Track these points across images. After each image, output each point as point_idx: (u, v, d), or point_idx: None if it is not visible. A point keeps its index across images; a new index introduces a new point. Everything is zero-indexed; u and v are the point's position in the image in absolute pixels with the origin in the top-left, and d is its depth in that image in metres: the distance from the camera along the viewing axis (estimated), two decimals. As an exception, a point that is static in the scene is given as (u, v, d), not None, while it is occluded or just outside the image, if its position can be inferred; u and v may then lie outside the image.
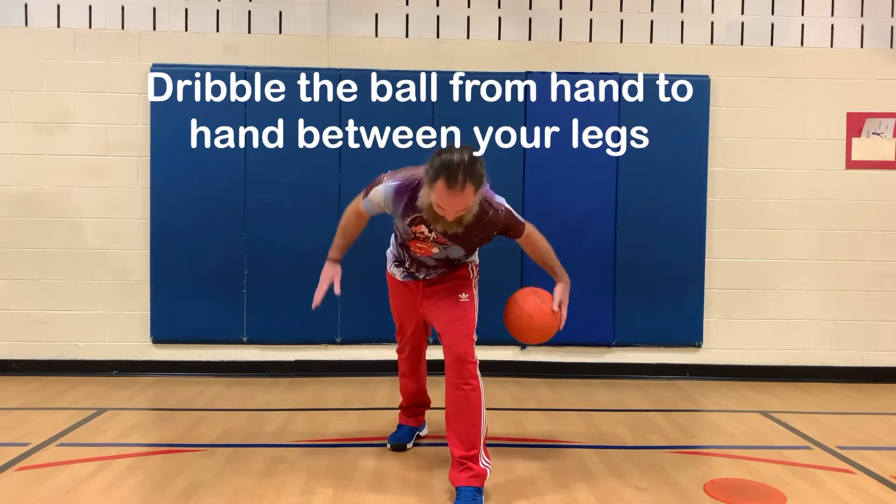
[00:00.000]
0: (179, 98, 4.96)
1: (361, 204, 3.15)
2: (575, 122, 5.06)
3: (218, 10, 5.08)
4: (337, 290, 3.20)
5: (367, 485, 3.13)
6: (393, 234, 3.34)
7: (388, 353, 5.02)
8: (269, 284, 5.04)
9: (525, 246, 3.17)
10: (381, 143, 4.97)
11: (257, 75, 4.99)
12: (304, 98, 5.00)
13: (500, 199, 3.05)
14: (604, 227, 5.12)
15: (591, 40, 5.19)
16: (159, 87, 4.97)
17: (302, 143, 5.00)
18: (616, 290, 5.14)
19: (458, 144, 2.86)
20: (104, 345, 5.10)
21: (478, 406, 2.96)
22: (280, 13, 5.10)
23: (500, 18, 5.17)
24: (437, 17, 5.14)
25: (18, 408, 4.27)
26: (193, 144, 4.96)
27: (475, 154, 2.80)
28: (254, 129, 4.99)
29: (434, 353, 3.59)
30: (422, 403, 3.69)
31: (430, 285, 3.21)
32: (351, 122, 5.01)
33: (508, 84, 5.05)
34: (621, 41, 5.19)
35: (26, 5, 5.02)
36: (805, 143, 5.20)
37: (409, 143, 4.93)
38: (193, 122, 4.96)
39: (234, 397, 4.58)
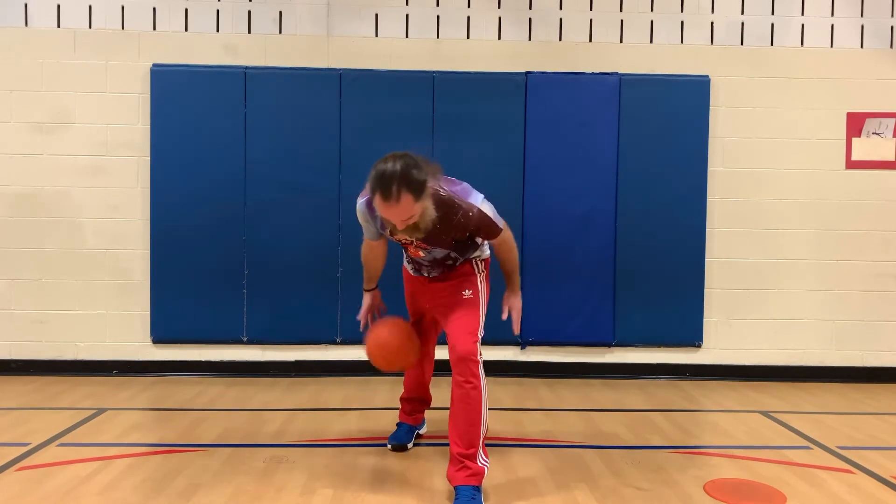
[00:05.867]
0: (179, 98, 4.97)
1: (364, 236, 3.24)
2: (574, 122, 5.06)
3: (218, 10, 5.08)
4: (378, 311, 3.47)
5: (367, 485, 3.13)
6: None
7: (388, 353, 5.03)
8: (269, 284, 5.04)
9: (496, 247, 3.14)
10: (381, 144, 4.95)
11: (257, 75, 4.99)
12: (304, 98, 5.01)
13: (477, 199, 2.96)
14: (604, 228, 5.12)
15: (591, 40, 5.19)
16: (159, 87, 4.98)
17: (302, 142, 5.01)
18: (616, 290, 5.14)
19: (395, 152, 2.80)
20: (104, 345, 5.10)
21: (478, 405, 2.95)
22: (280, 13, 5.10)
23: (500, 18, 5.17)
24: (437, 17, 5.15)
25: (18, 408, 4.27)
26: (193, 144, 4.97)
27: (411, 160, 2.73)
28: (254, 129, 4.99)
29: (440, 352, 3.59)
30: (422, 399, 3.69)
31: (435, 281, 3.21)
32: (351, 122, 5.02)
33: (508, 84, 5.06)
34: (621, 41, 5.19)
35: (26, 5, 5.02)
36: (805, 144, 5.20)
37: (409, 144, 4.91)
38: (193, 122, 4.97)
39: (234, 397, 4.58)
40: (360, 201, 3.07)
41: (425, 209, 2.80)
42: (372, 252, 3.32)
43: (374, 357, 3.24)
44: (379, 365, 3.26)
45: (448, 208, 2.89)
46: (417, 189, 2.73)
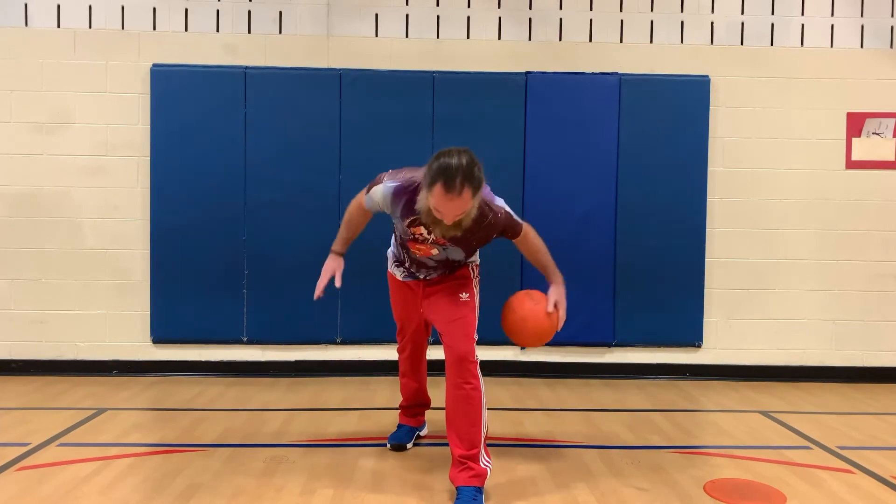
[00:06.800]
0: (179, 98, 4.97)
1: (364, 199, 3.14)
2: (574, 122, 5.06)
3: (218, 10, 5.08)
4: (338, 283, 3.21)
5: (367, 485, 3.13)
6: (393, 234, 3.34)
7: (388, 353, 5.03)
8: (269, 284, 5.04)
9: (521, 246, 3.15)
10: (381, 144, 4.98)
11: (257, 75, 4.99)
12: (304, 98, 5.01)
13: (500, 202, 3.04)
14: (604, 228, 5.12)
15: (591, 40, 5.19)
16: (159, 87, 4.98)
17: (302, 143, 5.01)
18: (616, 290, 5.14)
19: (456, 147, 2.81)
20: (104, 345, 5.10)
21: (478, 405, 2.96)
22: (280, 13, 5.10)
23: (500, 18, 5.17)
24: (437, 17, 5.15)
25: (18, 408, 4.27)
26: (193, 144, 4.97)
27: (473, 157, 2.77)
28: (254, 129, 4.99)
29: (434, 352, 3.59)
30: (422, 403, 3.69)
31: (430, 285, 3.21)
32: (351, 122, 5.02)
33: (508, 84, 5.06)
34: (621, 41, 5.19)
35: (26, 5, 5.02)
36: (805, 143, 5.21)
37: (409, 143, 4.93)
38: (193, 122, 4.97)
39: (234, 397, 4.58)
40: (389, 185, 2.99)
41: (473, 207, 2.82)
42: (362, 214, 3.21)
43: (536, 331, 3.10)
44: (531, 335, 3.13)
45: (482, 209, 2.91)
46: (477, 186, 2.76)
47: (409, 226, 3.04)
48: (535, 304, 3.10)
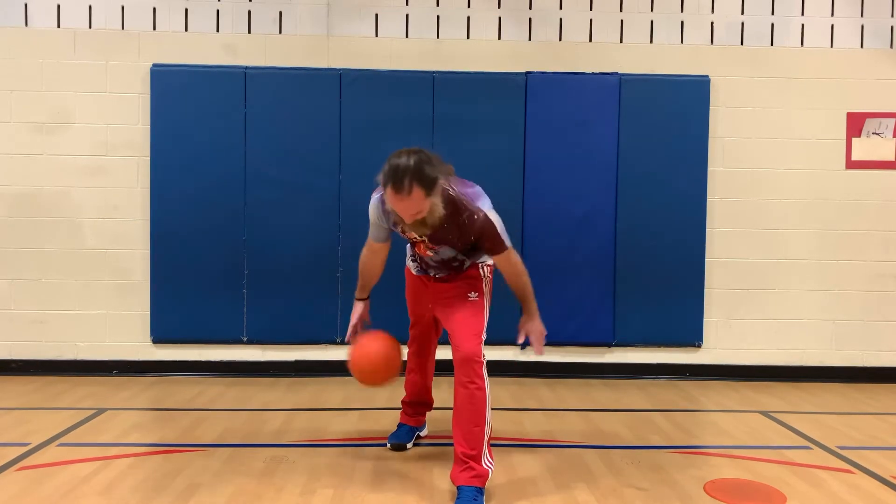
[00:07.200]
0: (179, 98, 4.97)
1: (369, 237, 3.22)
2: (574, 122, 5.06)
3: (218, 10, 5.08)
4: (366, 322, 3.38)
5: (367, 485, 3.13)
6: None
7: (388, 353, 5.03)
8: (269, 284, 5.04)
9: (501, 266, 3.06)
10: (381, 144, 4.96)
11: (257, 75, 4.99)
12: (304, 98, 5.01)
13: (484, 205, 2.94)
14: (604, 228, 5.12)
15: (591, 40, 5.19)
16: (159, 87, 4.98)
17: (302, 142, 5.01)
18: (616, 290, 5.14)
19: (409, 147, 2.84)
20: (104, 345, 5.10)
21: (482, 405, 2.96)
22: (280, 13, 5.10)
23: (500, 18, 5.17)
24: (437, 17, 5.15)
25: (18, 408, 4.27)
26: (193, 144, 4.97)
27: (425, 157, 2.76)
28: (254, 129, 4.99)
29: (441, 353, 3.60)
30: (424, 402, 3.69)
31: (440, 282, 3.21)
32: (351, 122, 5.02)
33: (508, 84, 5.06)
34: (621, 41, 5.19)
35: (26, 5, 5.02)
36: (805, 143, 5.21)
37: (409, 144, 4.91)
38: (193, 122, 4.97)
39: (234, 397, 4.58)
40: (374, 197, 3.09)
41: (434, 206, 2.81)
42: (373, 256, 3.26)
43: (360, 368, 3.12)
44: (363, 378, 3.16)
45: (455, 208, 2.90)
46: (429, 184, 2.75)
47: (401, 232, 3.07)
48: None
